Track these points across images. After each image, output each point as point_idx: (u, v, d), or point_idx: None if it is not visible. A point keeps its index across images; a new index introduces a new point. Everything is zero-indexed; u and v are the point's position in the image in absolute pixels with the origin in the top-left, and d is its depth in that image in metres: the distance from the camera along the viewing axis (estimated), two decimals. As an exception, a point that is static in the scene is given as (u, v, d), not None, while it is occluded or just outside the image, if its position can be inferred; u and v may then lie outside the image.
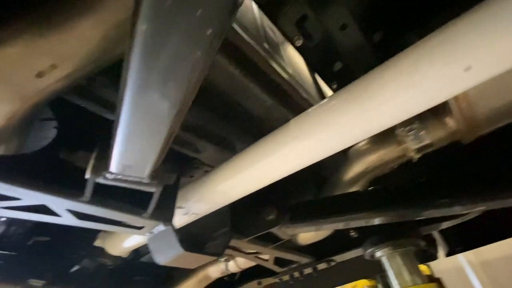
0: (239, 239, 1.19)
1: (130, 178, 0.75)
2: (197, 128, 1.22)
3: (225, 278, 2.25)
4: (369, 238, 1.34)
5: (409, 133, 1.01)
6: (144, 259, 2.49)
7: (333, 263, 1.61)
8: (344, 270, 2.09)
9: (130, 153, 0.61)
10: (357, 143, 1.24)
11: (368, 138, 1.18)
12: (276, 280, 1.83)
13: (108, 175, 0.72)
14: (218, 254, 1.07)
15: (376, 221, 1.09)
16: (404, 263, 1.22)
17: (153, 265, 2.47)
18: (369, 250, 1.32)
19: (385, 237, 1.27)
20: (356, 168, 1.19)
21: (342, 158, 1.29)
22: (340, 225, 1.12)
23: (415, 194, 1.13)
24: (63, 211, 0.82)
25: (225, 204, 1.06)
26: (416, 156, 1.08)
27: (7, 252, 1.72)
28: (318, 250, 1.64)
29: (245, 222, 1.22)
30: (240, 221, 1.23)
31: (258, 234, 1.18)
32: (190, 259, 1.03)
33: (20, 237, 1.95)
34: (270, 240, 1.33)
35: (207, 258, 1.05)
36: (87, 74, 0.61)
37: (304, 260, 1.62)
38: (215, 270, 1.81)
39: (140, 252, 2.51)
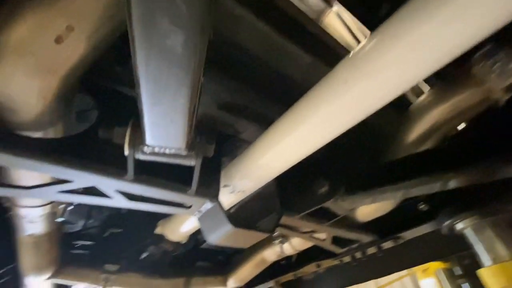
0: (291, 217, 1.08)
1: (167, 151, 0.70)
2: (233, 107, 1.15)
3: (282, 262, 2.18)
4: (445, 208, 1.11)
5: (493, 68, 0.78)
6: (204, 245, 2.57)
7: (401, 241, 1.39)
8: (413, 249, 1.84)
9: (158, 114, 0.54)
10: (421, 96, 1.02)
11: (436, 86, 0.96)
12: (336, 261, 1.68)
13: (145, 149, 0.68)
14: (269, 230, 0.98)
15: (452, 184, 0.87)
16: (497, 234, 0.97)
17: (213, 251, 2.52)
18: (447, 222, 1.09)
19: (466, 205, 1.03)
20: (422, 125, 0.98)
21: (402, 118, 1.08)
22: (407, 193, 0.93)
23: (503, 147, 0.88)
24: (113, 192, 0.82)
25: (271, 178, 0.96)
26: (504, 98, 0.83)
27: (87, 242, 1.90)
28: (382, 227, 1.44)
29: (296, 198, 1.11)
30: (291, 197, 1.12)
31: (310, 210, 1.05)
32: (242, 237, 0.96)
33: (97, 230, 2.15)
34: (325, 216, 1.20)
35: (258, 235, 0.97)
36: (107, 36, 0.56)
37: (366, 238, 1.44)
38: (271, 253, 1.74)
39: (199, 239, 2.59)
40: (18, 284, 1.64)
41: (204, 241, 2.58)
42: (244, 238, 0.98)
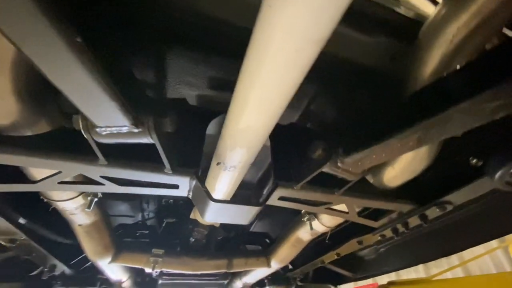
0: (290, 188, 0.97)
1: (119, 130, 0.69)
2: (226, 84, 1.09)
3: (327, 241, 2.03)
4: (494, 156, 0.82)
5: None
6: (252, 229, 2.61)
7: (449, 207, 1.10)
8: (479, 219, 1.46)
9: (68, 87, 0.53)
10: (432, 13, 0.77)
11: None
12: (377, 237, 1.46)
13: (99, 131, 0.69)
14: (257, 204, 0.90)
15: (501, 111, 0.60)
16: None
17: (261, 235, 2.54)
18: (499, 174, 0.80)
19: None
20: (438, 50, 0.73)
21: (411, 49, 0.84)
22: (425, 138, 0.71)
23: None
24: (100, 178, 0.87)
25: (259, 142, 0.85)
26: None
27: (144, 232, 2.14)
28: (421, 192, 1.17)
29: (293, 167, 0.99)
30: (288, 167, 1.00)
31: (308, 179, 0.92)
32: (234, 212, 0.91)
33: (154, 221, 2.40)
34: (337, 185, 1.03)
35: (250, 209, 0.90)
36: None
37: (403, 207, 1.20)
38: (304, 232, 1.62)
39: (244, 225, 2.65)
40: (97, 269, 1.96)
41: (251, 225, 2.63)
42: (236, 213, 0.92)
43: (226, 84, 1.09)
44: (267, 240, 2.44)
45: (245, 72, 0.67)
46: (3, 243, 1.30)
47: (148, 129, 0.70)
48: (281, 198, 1.03)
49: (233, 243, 2.42)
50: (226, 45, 0.98)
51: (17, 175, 0.96)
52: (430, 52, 0.76)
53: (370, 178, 1.12)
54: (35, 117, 0.76)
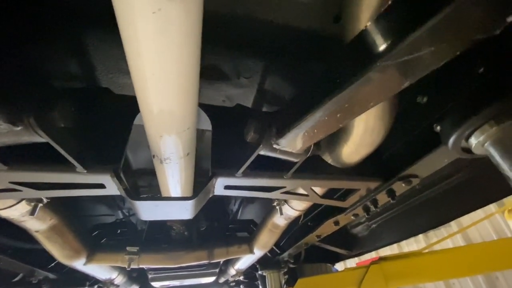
0: (233, 177, 0.88)
1: (-4, 131, 0.60)
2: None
3: (309, 223, 1.98)
4: (447, 116, 0.71)
5: None
6: (240, 216, 2.58)
7: (415, 181, 1.01)
8: (471, 186, 1.37)
9: None
10: None
11: None
12: (351, 217, 1.38)
13: None
14: (187, 198, 0.81)
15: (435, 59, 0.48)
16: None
17: (247, 222, 2.50)
18: (453, 139, 0.69)
19: (474, 104, 0.62)
20: None
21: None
22: (348, 110, 0.60)
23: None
24: (11, 184, 0.79)
25: (190, 130, 0.75)
26: None
27: (124, 229, 2.09)
28: (385, 166, 1.07)
29: (233, 155, 0.89)
30: (229, 156, 0.91)
31: (247, 164, 0.82)
32: (166, 209, 0.83)
33: (134, 217, 2.35)
34: (288, 168, 0.94)
35: (181, 204, 0.82)
36: None
37: (370, 184, 1.10)
38: (277, 217, 1.56)
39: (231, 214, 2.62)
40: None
41: (237, 213, 2.59)
42: (172, 209, 0.84)
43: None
44: (253, 227, 2.40)
45: (129, 53, 0.58)
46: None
47: (31, 126, 0.60)
48: (227, 187, 0.95)
49: (219, 232, 2.38)
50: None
51: None
52: None
53: (327, 157, 1.03)
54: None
